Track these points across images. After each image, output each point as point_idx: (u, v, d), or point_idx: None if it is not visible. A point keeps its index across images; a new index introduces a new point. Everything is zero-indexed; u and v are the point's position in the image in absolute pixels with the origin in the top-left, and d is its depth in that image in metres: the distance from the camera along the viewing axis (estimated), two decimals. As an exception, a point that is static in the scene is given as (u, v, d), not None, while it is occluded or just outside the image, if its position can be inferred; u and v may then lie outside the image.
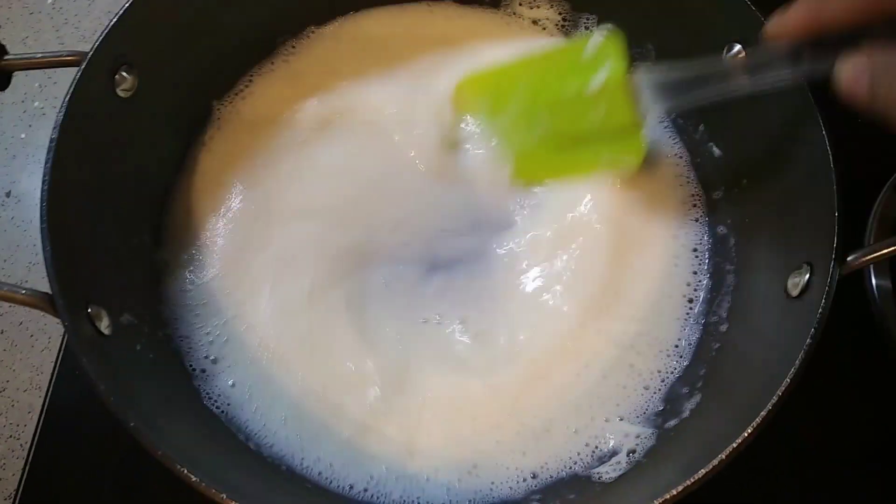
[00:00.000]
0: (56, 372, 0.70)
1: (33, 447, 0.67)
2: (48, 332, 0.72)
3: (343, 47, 0.69)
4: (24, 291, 0.46)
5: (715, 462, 0.41)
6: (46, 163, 0.49)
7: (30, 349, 0.72)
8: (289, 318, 0.58)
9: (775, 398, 0.43)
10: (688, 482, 0.41)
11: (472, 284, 0.60)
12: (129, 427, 0.42)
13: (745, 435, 0.42)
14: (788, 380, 0.43)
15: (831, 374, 0.68)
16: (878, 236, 0.72)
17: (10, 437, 0.70)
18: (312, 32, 0.69)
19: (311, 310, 0.58)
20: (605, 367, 0.56)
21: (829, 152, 0.49)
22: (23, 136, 0.80)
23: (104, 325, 0.49)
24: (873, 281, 0.72)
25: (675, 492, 0.40)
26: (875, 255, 0.47)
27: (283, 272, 0.59)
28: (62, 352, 0.70)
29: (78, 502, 0.66)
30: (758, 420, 0.42)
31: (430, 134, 0.64)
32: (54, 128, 0.49)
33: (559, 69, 0.59)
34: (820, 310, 0.45)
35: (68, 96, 0.50)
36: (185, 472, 0.41)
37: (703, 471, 0.41)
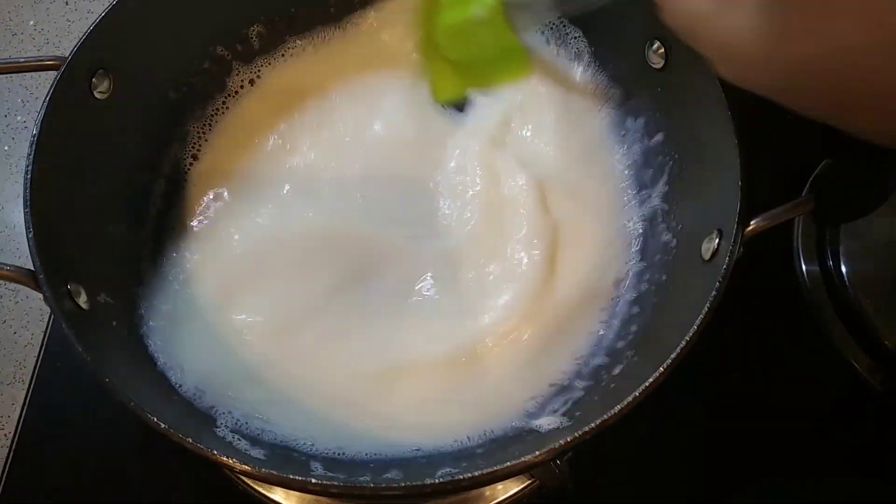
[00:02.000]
0: (38, 366, 0.74)
1: (16, 439, 0.71)
2: (31, 328, 0.77)
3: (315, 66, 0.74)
4: (8, 268, 0.50)
5: (621, 406, 0.46)
6: (29, 155, 0.53)
7: (13, 345, 0.76)
8: (265, 314, 0.63)
9: (683, 343, 0.48)
10: (604, 417, 0.46)
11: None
12: (103, 383, 0.47)
13: (649, 382, 0.47)
14: (695, 327, 0.48)
15: (765, 358, 0.74)
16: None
17: (-5, 428, 0.73)
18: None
19: (287, 307, 0.63)
20: (548, 332, 0.62)
21: (734, 131, 0.55)
22: (6, 148, 0.85)
23: (83, 301, 0.53)
24: (803, 267, 0.77)
25: (592, 426, 0.45)
26: (774, 219, 0.52)
27: (257, 269, 0.64)
28: (44, 347, 0.74)
29: (62, 491, 0.70)
30: (666, 363, 0.47)
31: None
32: (36, 124, 0.54)
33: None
34: (724, 266, 0.50)
35: (49, 95, 0.55)
36: (154, 420, 0.45)
37: (614, 409, 0.46)
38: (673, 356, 0.48)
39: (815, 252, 0.78)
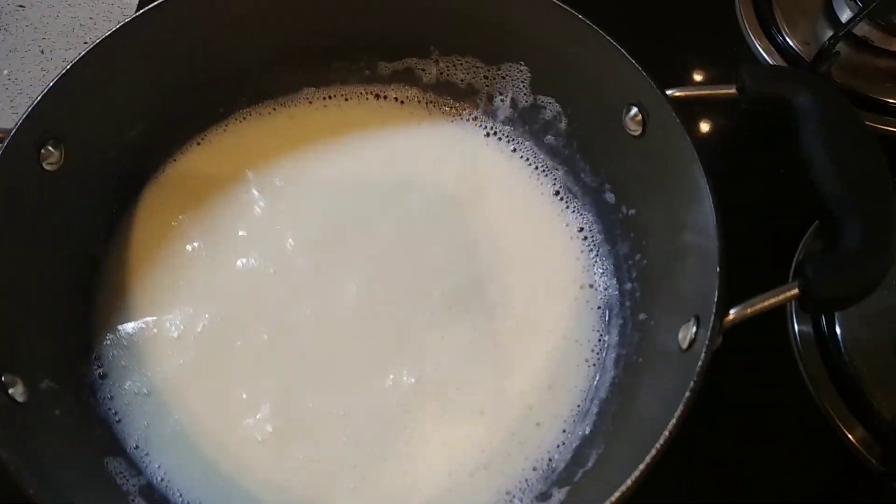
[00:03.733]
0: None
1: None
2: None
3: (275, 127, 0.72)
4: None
5: None
6: (-35, 238, 0.51)
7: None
8: (216, 392, 0.60)
9: (653, 451, 0.44)
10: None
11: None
12: (28, 494, 0.44)
13: (623, 489, 0.43)
14: (667, 432, 0.45)
15: (754, 427, 0.70)
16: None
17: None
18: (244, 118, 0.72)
19: (244, 386, 0.60)
20: (512, 426, 0.58)
21: (714, 211, 0.51)
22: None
23: (19, 393, 0.50)
24: (795, 327, 0.74)
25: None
26: (755, 307, 0.49)
27: (213, 345, 0.62)
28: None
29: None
30: (636, 474, 0.44)
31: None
32: (-27, 205, 0.52)
33: None
34: (699, 362, 0.47)
35: (-13, 174, 0.53)
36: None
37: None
38: (647, 459, 0.45)
39: (809, 314, 0.75)
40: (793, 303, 0.74)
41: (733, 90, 0.56)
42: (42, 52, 0.93)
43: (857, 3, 0.85)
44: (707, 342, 0.48)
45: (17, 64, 0.92)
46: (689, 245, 0.55)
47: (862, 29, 0.85)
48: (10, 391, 0.50)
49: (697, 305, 0.51)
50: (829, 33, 0.84)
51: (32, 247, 0.57)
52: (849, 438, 0.68)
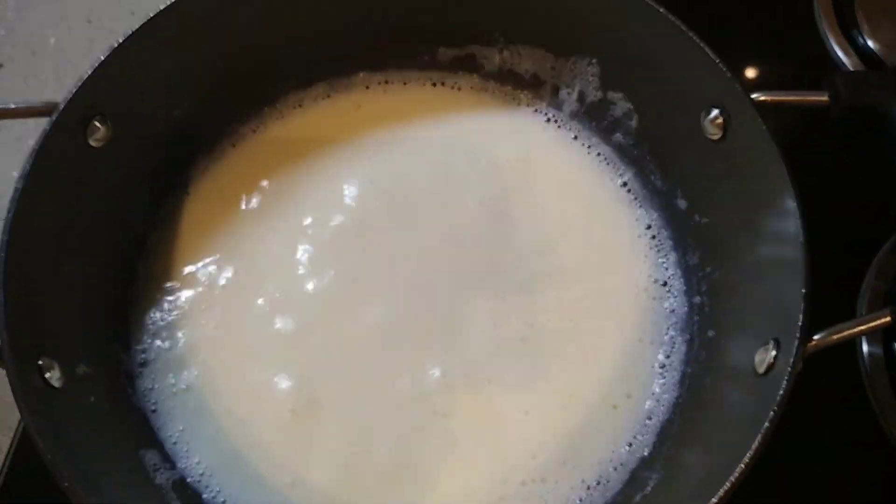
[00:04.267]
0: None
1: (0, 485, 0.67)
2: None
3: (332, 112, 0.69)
4: (-31, 342, 0.46)
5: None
6: (9, 212, 0.49)
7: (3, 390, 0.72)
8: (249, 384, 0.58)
9: (728, 484, 0.41)
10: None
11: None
12: (63, 486, 0.42)
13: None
14: (742, 465, 0.42)
15: (821, 449, 0.67)
16: (871, 307, 0.71)
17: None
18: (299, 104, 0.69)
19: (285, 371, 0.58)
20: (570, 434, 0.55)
21: (801, 229, 0.48)
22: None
23: (55, 378, 0.49)
24: (864, 348, 0.70)
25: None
26: (842, 334, 0.46)
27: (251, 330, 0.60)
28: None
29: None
30: (719, 495, 0.41)
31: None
32: (20, 177, 0.50)
33: None
34: (781, 390, 0.44)
35: (37, 146, 0.51)
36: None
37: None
38: (723, 490, 0.42)
39: (880, 333, 0.71)
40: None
41: (825, 97, 0.53)
42: (89, 21, 0.91)
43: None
44: (790, 368, 0.45)
45: (64, 33, 0.90)
46: (768, 260, 0.52)
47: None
48: (47, 375, 0.48)
49: (777, 327, 0.48)
50: (915, 36, 0.80)
51: (74, 225, 0.55)
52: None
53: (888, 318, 0.46)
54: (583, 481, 0.54)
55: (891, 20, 0.85)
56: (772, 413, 0.43)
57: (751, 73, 0.77)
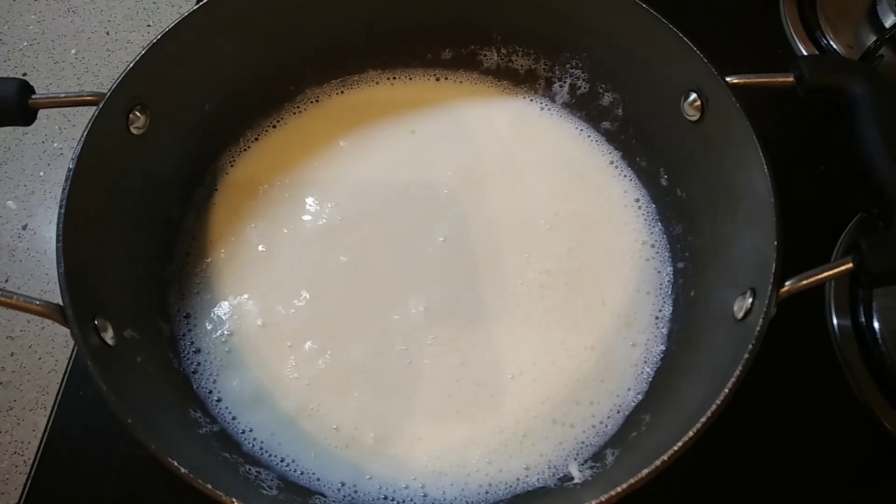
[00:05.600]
0: (61, 393, 0.74)
1: (36, 464, 0.71)
2: (55, 355, 0.77)
3: (344, 106, 0.75)
4: (38, 302, 0.51)
5: (649, 469, 0.45)
6: (64, 189, 0.54)
7: (37, 371, 0.76)
8: (286, 347, 0.63)
9: (709, 412, 0.47)
10: (631, 481, 0.45)
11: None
12: (126, 424, 0.47)
13: (678, 446, 0.46)
14: (726, 390, 0.47)
15: (795, 412, 0.72)
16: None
17: (15, 453, 0.74)
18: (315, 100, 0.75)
19: (308, 336, 0.63)
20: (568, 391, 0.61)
21: (771, 190, 0.54)
22: (41, 174, 0.86)
23: (109, 337, 0.53)
24: (834, 321, 0.76)
25: (619, 489, 0.44)
26: (811, 280, 0.51)
27: (282, 302, 0.65)
28: (67, 374, 0.74)
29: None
30: (691, 433, 0.46)
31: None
32: (72, 158, 0.55)
33: None
34: (757, 329, 0.49)
35: (86, 131, 0.55)
36: (175, 464, 0.45)
37: (642, 473, 0.45)
38: (703, 419, 0.47)
39: (847, 307, 0.77)
40: (831, 296, 0.78)
41: (791, 78, 0.59)
42: (107, 33, 0.97)
43: (900, 8, 0.87)
44: (764, 310, 0.50)
45: (84, 44, 0.96)
46: (743, 223, 0.57)
47: (908, 36, 0.87)
48: (102, 334, 0.53)
49: (753, 278, 0.53)
50: (873, 38, 0.86)
51: (118, 205, 0.60)
52: (885, 426, 0.70)
53: (850, 265, 0.51)
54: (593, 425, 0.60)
55: (851, 23, 0.92)
56: (750, 346, 0.49)
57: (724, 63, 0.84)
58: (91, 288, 0.54)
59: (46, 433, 0.72)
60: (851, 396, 0.72)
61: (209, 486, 0.45)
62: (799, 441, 0.72)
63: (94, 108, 0.57)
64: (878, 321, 0.74)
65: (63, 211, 0.53)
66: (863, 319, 0.75)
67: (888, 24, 0.88)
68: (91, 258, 0.56)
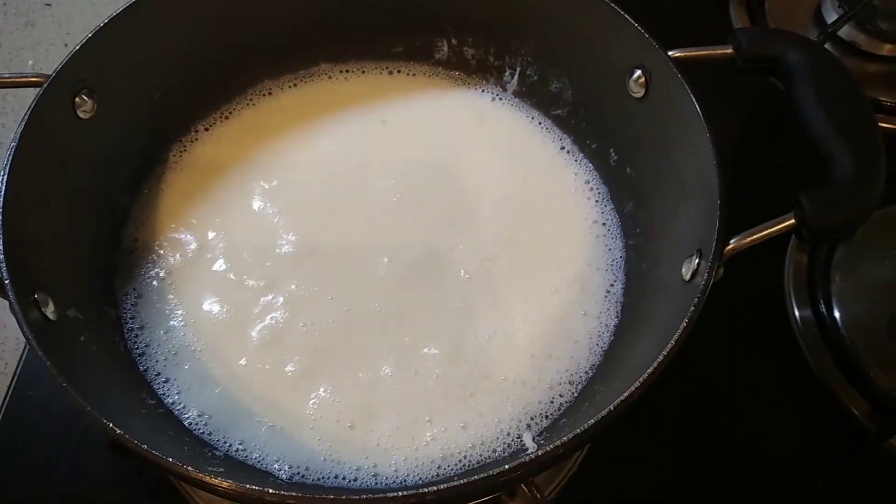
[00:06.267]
0: (10, 395, 0.72)
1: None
2: (5, 357, 0.76)
3: (295, 100, 0.75)
4: (-27, 271, 0.50)
5: (590, 422, 0.45)
6: (4, 166, 0.53)
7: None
8: (232, 330, 0.62)
9: (661, 357, 0.47)
10: (569, 437, 0.44)
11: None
12: (63, 388, 0.45)
13: (622, 399, 0.46)
14: (672, 342, 0.47)
15: (760, 402, 0.73)
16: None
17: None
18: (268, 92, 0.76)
19: (255, 323, 0.62)
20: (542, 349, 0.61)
21: (713, 154, 0.55)
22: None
23: (50, 311, 0.52)
24: (796, 312, 0.77)
25: (564, 439, 0.44)
26: (754, 237, 0.52)
27: (229, 287, 0.64)
28: (17, 376, 0.73)
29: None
30: (633, 387, 0.46)
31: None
32: (14, 136, 0.55)
33: None
34: (702, 285, 0.49)
35: (29, 110, 0.55)
36: (112, 426, 0.44)
37: (583, 426, 0.45)
38: (649, 370, 0.47)
39: (806, 295, 0.78)
40: (791, 286, 0.79)
41: (730, 50, 0.60)
42: (66, 45, 0.97)
43: (843, 8, 0.89)
44: (710, 266, 0.50)
45: (41, 56, 0.96)
46: (690, 193, 0.58)
47: (849, 34, 0.89)
48: (43, 308, 0.52)
49: (699, 240, 0.54)
50: (818, 35, 0.89)
51: (62, 187, 0.59)
52: (848, 409, 0.71)
53: (792, 221, 0.52)
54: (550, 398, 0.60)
55: (798, 20, 0.94)
56: (695, 301, 0.49)
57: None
58: (32, 263, 0.53)
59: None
60: (816, 384, 0.73)
61: (166, 459, 0.43)
62: (765, 430, 0.72)
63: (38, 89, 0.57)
64: (838, 309, 0.75)
65: (3, 188, 0.53)
66: (822, 308, 0.76)
67: (831, 21, 0.90)
68: (32, 235, 0.55)
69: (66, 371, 0.47)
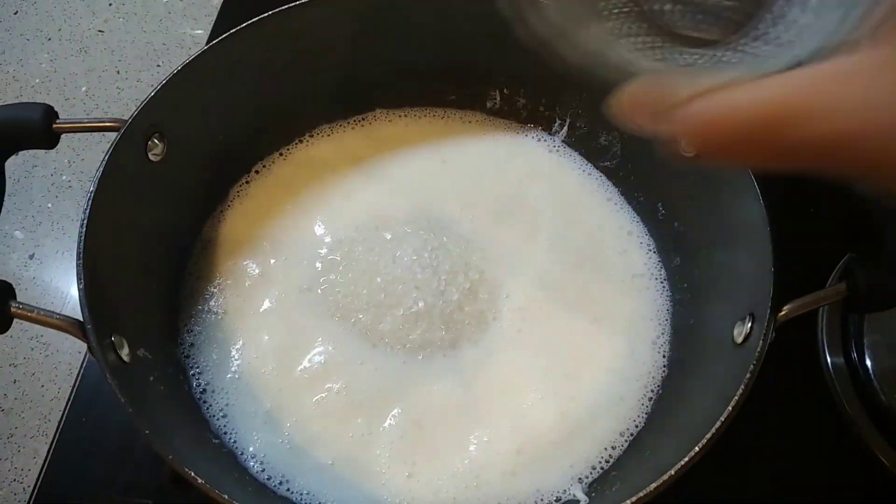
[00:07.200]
0: (63, 421, 0.74)
1: (35, 491, 0.70)
2: (58, 382, 0.77)
3: (352, 140, 0.77)
4: (57, 316, 0.52)
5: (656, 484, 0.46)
6: (85, 210, 0.55)
7: (40, 398, 0.76)
8: (289, 371, 0.64)
9: (718, 423, 0.48)
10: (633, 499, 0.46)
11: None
12: (144, 434, 0.47)
13: (683, 463, 0.47)
14: (730, 408, 0.49)
15: (790, 453, 0.73)
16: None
17: (14, 480, 0.73)
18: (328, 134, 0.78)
19: (311, 367, 0.64)
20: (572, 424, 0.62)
21: (766, 219, 0.56)
22: (49, 205, 0.88)
23: (125, 354, 0.54)
24: (828, 359, 0.77)
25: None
26: (807, 304, 0.54)
27: (286, 333, 0.66)
28: (70, 402, 0.75)
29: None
30: (697, 448, 0.48)
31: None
32: (94, 179, 0.57)
33: None
34: (757, 349, 0.51)
35: (108, 154, 0.58)
36: (192, 474, 0.46)
37: (639, 494, 0.46)
38: (708, 436, 0.48)
39: (840, 344, 0.79)
40: (824, 334, 0.80)
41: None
42: (118, 72, 1.00)
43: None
44: (763, 332, 0.52)
45: (95, 82, 0.99)
46: (741, 254, 0.60)
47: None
48: (119, 351, 0.54)
49: (751, 304, 0.55)
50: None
51: (134, 228, 0.62)
52: (881, 461, 0.71)
53: (844, 290, 0.54)
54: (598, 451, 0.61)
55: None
56: (751, 367, 0.50)
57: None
58: (108, 306, 0.55)
59: (47, 461, 0.72)
60: (847, 432, 0.73)
61: (225, 497, 0.45)
62: (795, 477, 0.72)
63: (115, 134, 0.59)
64: (870, 358, 0.76)
65: (84, 230, 0.55)
66: (855, 356, 0.76)
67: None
68: (107, 278, 0.57)
69: (143, 415, 0.49)
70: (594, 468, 0.60)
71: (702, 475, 0.70)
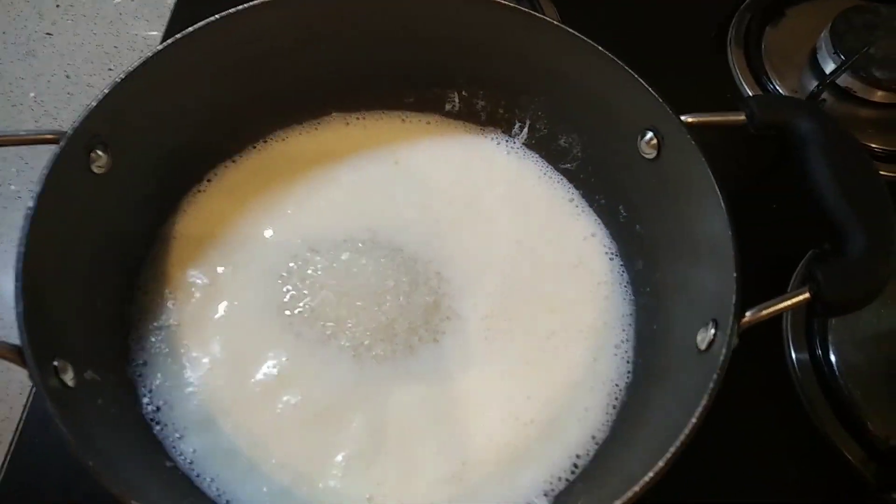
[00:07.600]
0: (15, 440, 0.71)
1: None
2: (9, 402, 0.75)
3: (307, 145, 0.75)
4: (-6, 344, 0.49)
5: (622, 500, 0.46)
6: (24, 229, 0.53)
7: (-10, 419, 0.74)
8: (245, 387, 0.62)
9: (682, 435, 0.47)
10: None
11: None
12: (88, 466, 0.45)
13: (649, 477, 0.47)
14: (694, 419, 0.48)
15: (756, 449, 0.73)
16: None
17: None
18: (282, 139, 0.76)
19: (266, 381, 0.62)
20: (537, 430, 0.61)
21: (728, 223, 0.55)
22: (-3, 217, 0.85)
23: (69, 378, 0.52)
24: (793, 356, 0.77)
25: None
26: (770, 310, 0.53)
27: (241, 346, 0.64)
28: (22, 422, 0.72)
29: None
30: (661, 463, 0.47)
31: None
32: (32, 197, 0.54)
33: None
34: (721, 358, 0.50)
35: (47, 170, 0.55)
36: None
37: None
38: (673, 449, 0.48)
39: (804, 341, 0.79)
40: (788, 331, 0.80)
41: (742, 117, 0.61)
42: (67, 76, 0.96)
43: (839, 56, 0.91)
44: (727, 339, 0.51)
45: (43, 87, 0.95)
46: (703, 258, 0.59)
47: (845, 80, 0.91)
48: (62, 375, 0.52)
49: (714, 310, 0.55)
50: (816, 83, 0.91)
51: (79, 244, 0.59)
52: (846, 457, 0.72)
53: (807, 295, 0.53)
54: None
55: (795, 69, 0.96)
56: (714, 375, 0.50)
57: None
58: (51, 329, 0.53)
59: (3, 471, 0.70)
60: (813, 430, 0.73)
61: None
62: (761, 473, 0.72)
63: (55, 146, 0.57)
64: (834, 354, 0.76)
65: (23, 250, 0.52)
66: (819, 353, 0.77)
67: (828, 70, 0.92)
68: (50, 299, 0.54)
69: (88, 445, 0.47)
70: (560, 479, 0.59)
71: (667, 474, 0.70)
